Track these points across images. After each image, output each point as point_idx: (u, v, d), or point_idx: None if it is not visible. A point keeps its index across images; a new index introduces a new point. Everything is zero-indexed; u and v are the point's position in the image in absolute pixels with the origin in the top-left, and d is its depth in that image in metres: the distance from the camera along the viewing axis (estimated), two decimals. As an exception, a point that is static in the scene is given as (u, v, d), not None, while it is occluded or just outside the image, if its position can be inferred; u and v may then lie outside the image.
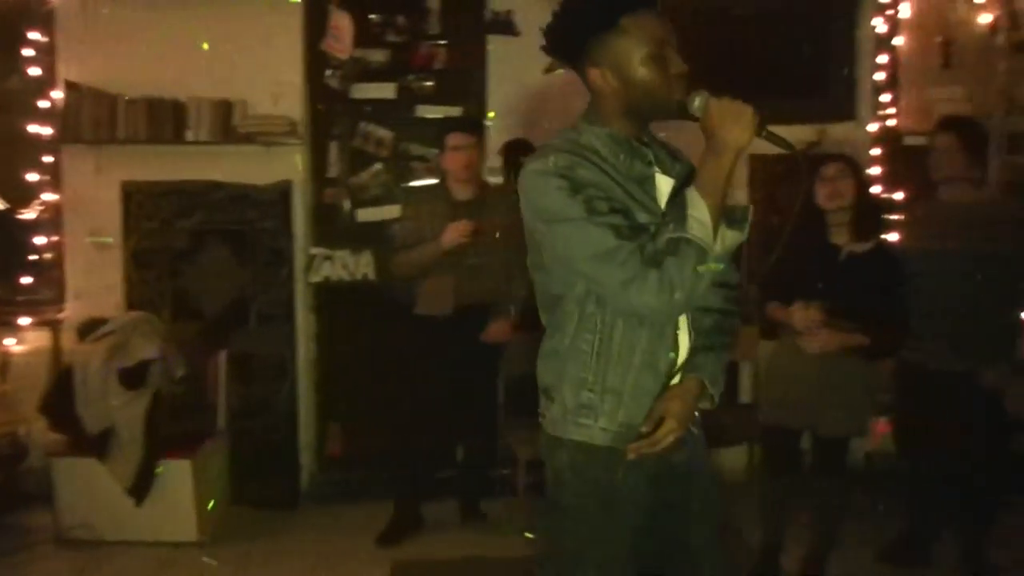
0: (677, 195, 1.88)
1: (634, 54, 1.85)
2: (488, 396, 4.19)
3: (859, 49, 4.73)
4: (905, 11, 4.80)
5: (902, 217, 4.01)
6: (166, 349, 4.06)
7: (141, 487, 3.85)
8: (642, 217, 1.85)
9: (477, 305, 3.97)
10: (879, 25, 4.74)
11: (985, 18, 4.88)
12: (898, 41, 4.79)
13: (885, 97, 4.75)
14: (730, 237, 1.80)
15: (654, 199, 1.92)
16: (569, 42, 1.91)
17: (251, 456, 4.41)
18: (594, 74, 1.90)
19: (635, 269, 1.74)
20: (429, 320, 3.96)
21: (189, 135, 4.30)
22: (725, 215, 1.79)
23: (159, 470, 3.87)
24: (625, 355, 1.90)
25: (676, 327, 1.95)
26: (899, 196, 4.65)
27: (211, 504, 4.06)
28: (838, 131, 4.73)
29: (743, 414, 4.13)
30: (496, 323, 4.00)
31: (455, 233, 3.79)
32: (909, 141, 4.61)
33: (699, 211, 1.75)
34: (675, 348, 1.94)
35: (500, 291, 4.00)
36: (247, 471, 4.38)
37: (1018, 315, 3.57)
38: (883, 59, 4.75)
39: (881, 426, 4.23)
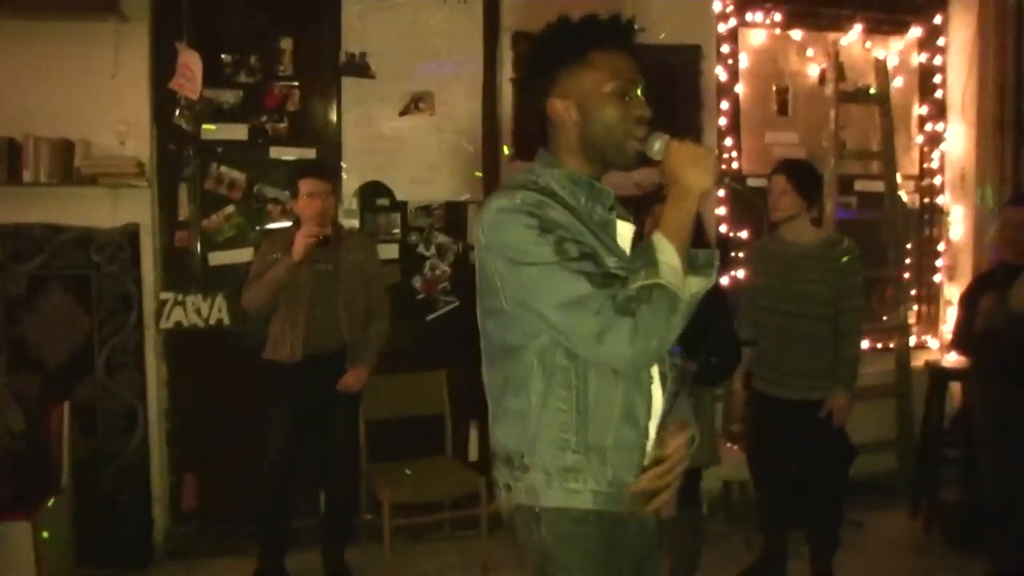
0: (639, 241, 1.83)
1: (599, 89, 1.81)
2: (348, 441, 4.11)
3: (703, 96, 4.96)
4: (744, 61, 5.09)
5: (745, 255, 4.23)
6: (1, 402, 3.82)
7: (-24, 552, 3.59)
8: (610, 262, 1.76)
9: (330, 351, 3.92)
10: (721, 74, 5.00)
11: (814, 69, 5.23)
12: (738, 89, 5.07)
13: (728, 141, 5.00)
14: (695, 284, 1.73)
15: (617, 244, 1.85)
16: (539, 73, 1.87)
17: (98, 513, 4.19)
18: (556, 105, 1.84)
19: (609, 318, 1.65)
20: (279, 365, 3.89)
21: (27, 176, 4.09)
22: (688, 261, 1.73)
23: (-4, 533, 3.63)
24: (604, 409, 1.78)
25: (649, 376, 1.85)
26: (743, 235, 4.90)
27: (55, 566, 3.82)
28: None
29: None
30: (353, 371, 3.96)
31: (301, 239, 3.73)
32: (751, 183, 4.87)
33: (668, 256, 1.69)
34: (649, 397, 1.85)
35: (354, 338, 3.97)
36: (94, 529, 4.14)
37: (852, 348, 3.80)
38: (725, 106, 5.00)
39: (731, 452, 4.40)
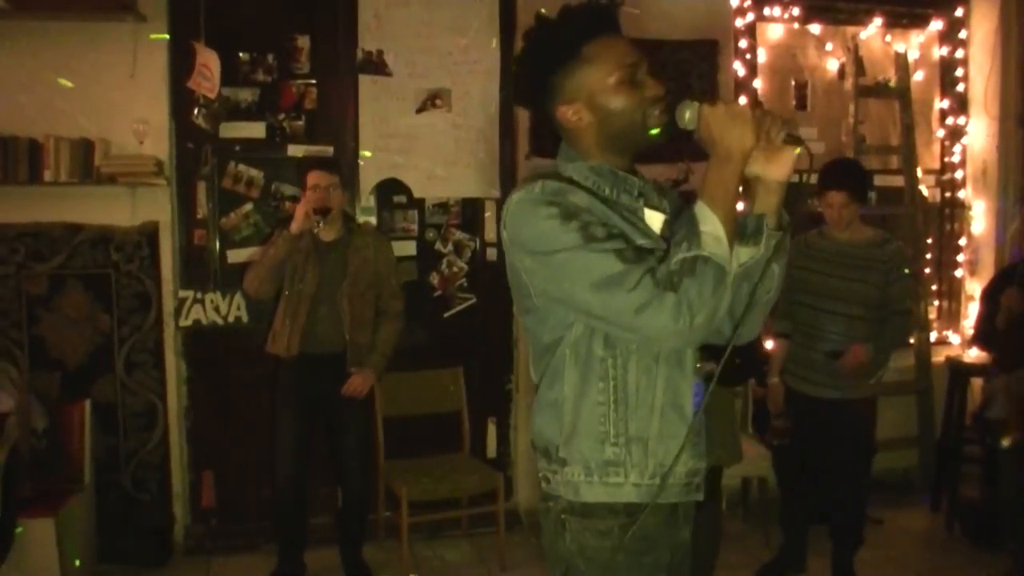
0: (681, 214, 1.71)
1: (604, 82, 1.70)
2: (361, 442, 4.03)
3: (721, 92, 4.93)
4: (761, 56, 5.06)
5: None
6: (23, 400, 3.85)
7: (-1, 549, 3.63)
8: (642, 242, 1.66)
9: (331, 351, 3.86)
10: (739, 69, 4.98)
11: (833, 63, 5.19)
12: (757, 84, 5.04)
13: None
14: (744, 253, 1.64)
15: (648, 227, 1.74)
16: (534, 82, 1.75)
17: (119, 510, 4.22)
18: (565, 112, 1.73)
19: (649, 293, 1.55)
20: (280, 361, 3.88)
21: (47, 175, 4.12)
22: (736, 230, 1.62)
23: (19, 530, 3.63)
24: (645, 398, 1.69)
25: (695, 360, 1.76)
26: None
27: (77, 563, 3.85)
28: (702, 169, 4.91)
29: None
30: (357, 376, 3.88)
31: (300, 209, 3.71)
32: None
33: (712, 226, 1.57)
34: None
35: (358, 340, 3.89)
36: (115, 526, 4.18)
37: (894, 341, 3.77)
38: (743, 101, 4.97)
39: (751, 449, 4.37)
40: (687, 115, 1.66)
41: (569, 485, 1.73)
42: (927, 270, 5.29)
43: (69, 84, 4.13)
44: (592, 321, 1.66)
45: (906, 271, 3.68)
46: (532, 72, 1.76)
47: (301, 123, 4.49)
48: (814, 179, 3.66)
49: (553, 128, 1.81)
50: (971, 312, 5.20)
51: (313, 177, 3.83)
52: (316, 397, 3.89)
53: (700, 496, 1.81)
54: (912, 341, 5.23)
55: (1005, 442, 3.81)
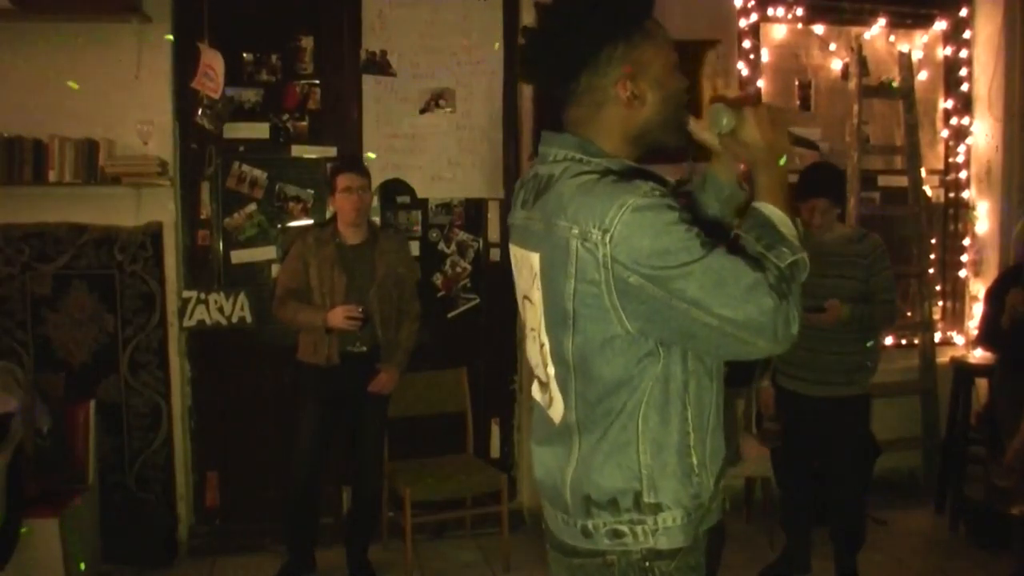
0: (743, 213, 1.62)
1: (669, 59, 1.60)
2: (378, 441, 4.09)
3: (725, 91, 4.93)
4: (765, 56, 5.06)
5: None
6: (28, 401, 3.85)
7: (4, 549, 3.61)
8: None
9: (363, 351, 3.92)
10: (742, 69, 4.98)
11: (837, 63, 5.19)
12: (760, 84, 5.04)
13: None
14: None
15: None
16: (582, 49, 1.56)
17: (124, 510, 4.22)
18: (620, 86, 1.56)
19: (776, 300, 1.43)
20: (312, 367, 3.89)
21: (52, 176, 4.12)
22: None
23: (24, 530, 3.64)
24: (710, 418, 1.59)
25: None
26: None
27: (81, 564, 3.85)
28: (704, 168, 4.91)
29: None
30: (384, 373, 3.93)
31: (341, 319, 3.74)
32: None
33: (788, 228, 1.51)
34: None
35: (387, 339, 3.94)
36: (120, 527, 4.18)
37: (873, 343, 3.78)
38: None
39: (753, 449, 4.37)
40: (724, 120, 1.58)
41: (665, 532, 1.56)
42: (931, 270, 5.28)
43: (75, 86, 4.14)
44: (709, 337, 1.46)
45: (884, 264, 3.70)
46: (583, 38, 1.56)
47: (305, 123, 4.50)
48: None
49: (563, 105, 1.65)
50: (975, 312, 5.19)
51: (344, 180, 3.85)
52: (343, 397, 3.92)
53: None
54: (917, 341, 5.24)
55: (1015, 511, 3.81)
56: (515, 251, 1.73)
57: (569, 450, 1.61)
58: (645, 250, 1.43)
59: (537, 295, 1.62)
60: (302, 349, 3.94)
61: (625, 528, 1.56)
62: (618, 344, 1.51)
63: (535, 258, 1.61)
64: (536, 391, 1.75)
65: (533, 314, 1.66)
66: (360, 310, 3.76)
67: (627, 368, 1.52)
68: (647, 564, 1.57)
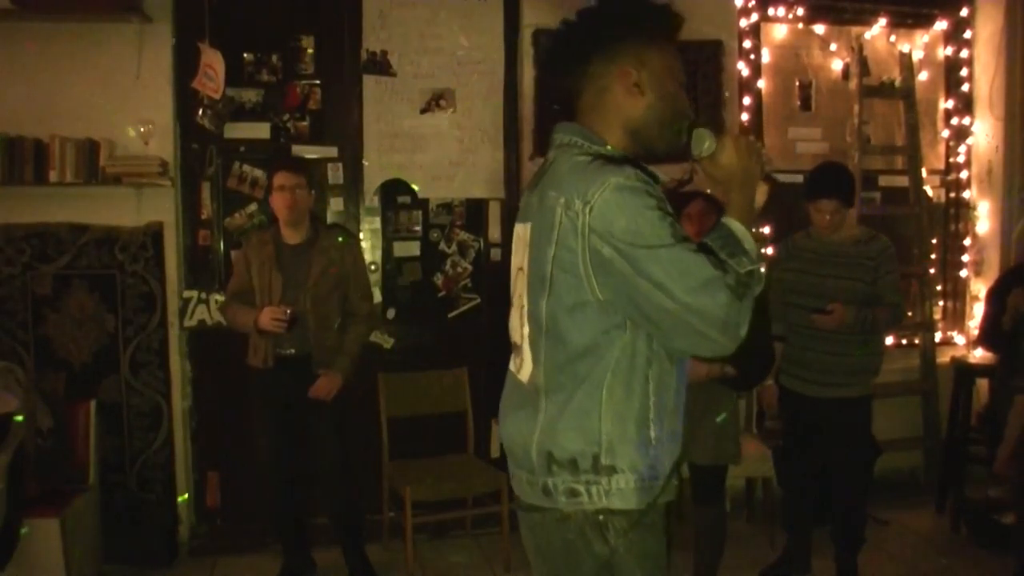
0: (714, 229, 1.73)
1: (674, 64, 1.80)
2: (335, 450, 3.89)
3: (725, 92, 4.92)
4: (766, 56, 5.06)
5: (773, 250, 4.20)
6: (29, 401, 3.85)
7: (4, 549, 3.61)
8: None
9: (297, 355, 3.81)
10: (743, 69, 4.97)
11: (837, 63, 5.19)
12: (760, 84, 5.03)
13: (750, 138, 4.95)
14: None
15: None
16: (616, 33, 1.77)
17: (125, 510, 4.22)
18: (628, 74, 1.75)
19: (731, 300, 1.57)
20: (254, 370, 3.86)
21: (53, 176, 4.13)
22: None
23: (24, 531, 3.64)
24: (672, 398, 1.75)
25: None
26: (766, 230, 4.86)
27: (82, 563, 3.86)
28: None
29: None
30: (323, 378, 3.79)
31: (268, 320, 3.67)
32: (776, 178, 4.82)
33: (751, 244, 1.66)
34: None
35: (321, 342, 3.82)
36: (121, 526, 4.18)
37: (877, 344, 3.78)
38: (747, 101, 4.97)
39: (752, 447, 4.37)
40: (706, 143, 1.74)
41: (618, 493, 1.71)
42: (932, 270, 5.28)
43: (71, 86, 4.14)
44: (664, 320, 1.60)
45: (892, 267, 3.68)
46: (621, 21, 1.77)
47: (306, 123, 4.50)
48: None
49: (573, 93, 1.81)
50: (976, 312, 5.19)
51: (279, 178, 3.77)
52: (286, 402, 3.83)
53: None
54: (918, 341, 5.24)
55: (1009, 521, 3.83)
56: (516, 228, 1.88)
57: (536, 411, 1.75)
58: (620, 226, 1.59)
59: (526, 263, 1.78)
60: (249, 352, 3.88)
61: (581, 488, 1.71)
62: (589, 311, 1.66)
63: (528, 228, 1.78)
64: (511, 362, 1.89)
65: (522, 282, 1.80)
66: (287, 311, 3.66)
67: (594, 336, 1.67)
68: (601, 519, 1.72)
